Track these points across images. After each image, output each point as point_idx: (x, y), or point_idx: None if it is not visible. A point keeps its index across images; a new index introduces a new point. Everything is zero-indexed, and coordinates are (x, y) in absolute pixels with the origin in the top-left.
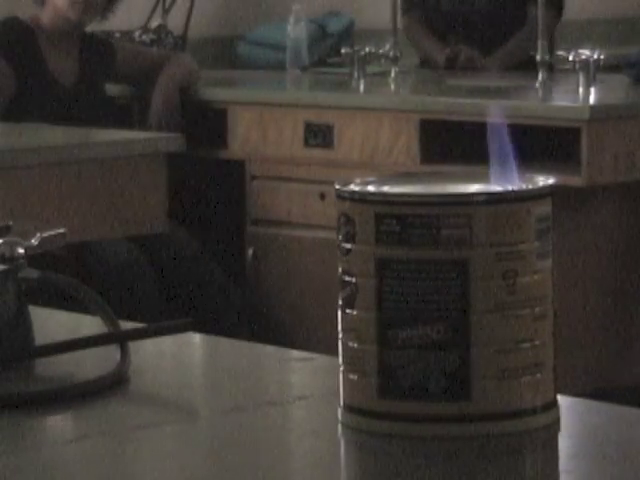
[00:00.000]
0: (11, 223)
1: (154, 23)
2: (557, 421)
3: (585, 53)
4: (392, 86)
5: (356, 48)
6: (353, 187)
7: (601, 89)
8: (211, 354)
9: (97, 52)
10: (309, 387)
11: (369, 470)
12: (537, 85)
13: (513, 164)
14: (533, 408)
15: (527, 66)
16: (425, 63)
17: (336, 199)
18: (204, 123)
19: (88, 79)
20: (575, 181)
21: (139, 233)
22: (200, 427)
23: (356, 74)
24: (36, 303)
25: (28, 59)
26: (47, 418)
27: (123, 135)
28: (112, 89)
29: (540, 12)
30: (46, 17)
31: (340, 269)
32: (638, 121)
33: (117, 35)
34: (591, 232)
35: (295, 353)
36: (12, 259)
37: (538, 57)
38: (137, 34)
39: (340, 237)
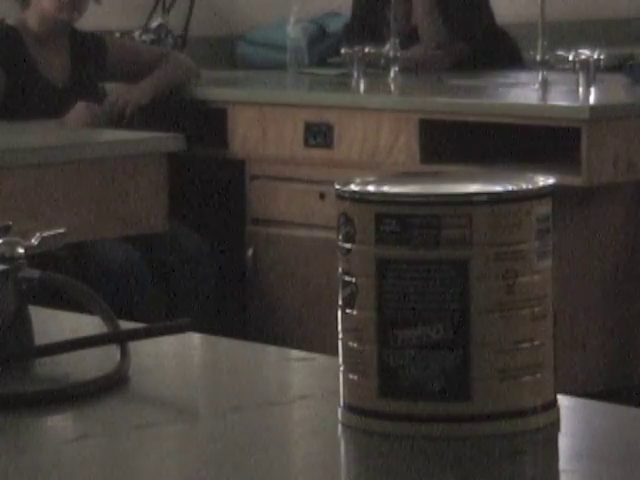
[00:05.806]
0: (11, 223)
1: (154, 23)
2: (557, 421)
3: (585, 53)
4: (392, 86)
5: (356, 48)
6: (353, 187)
7: (601, 89)
8: (211, 354)
9: (88, 49)
10: (309, 387)
11: (369, 470)
12: (537, 85)
13: None
14: (533, 408)
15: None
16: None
17: (336, 199)
18: (204, 123)
19: (81, 77)
20: (575, 181)
21: (139, 233)
22: (200, 427)
23: (356, 74)
24: (36, 303)
25: (17, 62)
26: (47, 418)
27: (123, 135)
28: (109, 87)
29: (541, 17)
30: (33, 19)
31: (340, 269)
32: (638, 121)
33: (117, 35)
34: (591, 232)
35: (295, 353)
36: (12, 259)
37: (538, 57)
38: (137, 34)
39: (340, 237)
